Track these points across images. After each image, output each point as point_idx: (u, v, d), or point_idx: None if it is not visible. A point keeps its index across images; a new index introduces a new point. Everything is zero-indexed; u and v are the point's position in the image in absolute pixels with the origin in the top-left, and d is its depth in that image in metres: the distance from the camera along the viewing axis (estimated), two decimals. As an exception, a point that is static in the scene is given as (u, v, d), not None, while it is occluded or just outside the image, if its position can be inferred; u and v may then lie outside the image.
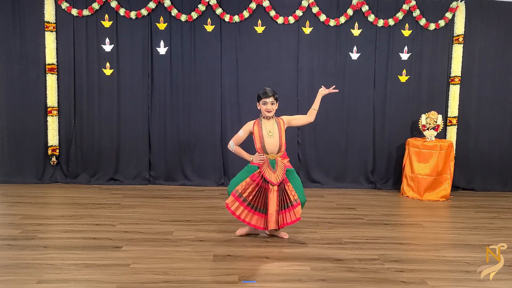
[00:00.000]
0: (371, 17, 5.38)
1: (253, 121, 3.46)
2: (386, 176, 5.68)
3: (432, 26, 5.42)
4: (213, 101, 5.42)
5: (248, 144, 3.58)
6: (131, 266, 2.89)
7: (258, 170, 3.35)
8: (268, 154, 3.38)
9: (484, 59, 5.51)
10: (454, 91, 5.51)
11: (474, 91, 5.56)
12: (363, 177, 5.64)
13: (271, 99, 3.36)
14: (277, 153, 3.39)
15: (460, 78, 5.49)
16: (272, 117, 3.43)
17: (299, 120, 3.56)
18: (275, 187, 3.31)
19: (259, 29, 5.37)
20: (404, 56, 5.50)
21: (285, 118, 3.50)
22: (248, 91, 5.39)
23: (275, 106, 3.41)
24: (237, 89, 5.45)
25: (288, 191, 3.36)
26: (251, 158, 3.44)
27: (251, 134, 3.45)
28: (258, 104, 3.44)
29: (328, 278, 2.80)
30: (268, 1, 5.27)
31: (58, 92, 5.32)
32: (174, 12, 5.24)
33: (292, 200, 3.35)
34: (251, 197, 3.34)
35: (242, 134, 3.46)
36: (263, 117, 3.43)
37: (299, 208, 3.36)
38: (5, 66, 5.23)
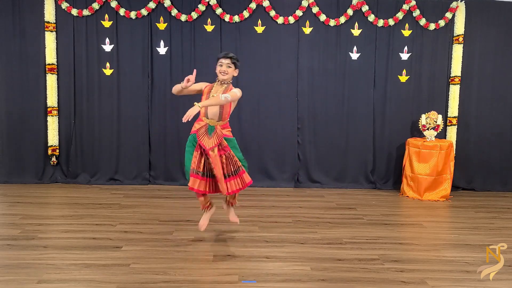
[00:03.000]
0: (371, 17, 5.38)
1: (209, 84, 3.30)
2: (386, 176, 5.68)
3: (432, 26, 5.42)
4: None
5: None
6: (131, 266, 2.89)
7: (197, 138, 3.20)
8: (208, 119, 3.21)
9: (484, 59, 5.51)
10: (454, 91, 5.51)
11: (474, 91, 5.55)
12: (363, 177, 5.64)
13: (227, 61, 3.18)
14: (218, 121, 3.21)
15: (460, 78, 5.49)
16: (227, 83, 3.24)
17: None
18: (215, 152, 3.14)
19: (259, 29, 5.37)
20: (404, 56, 5.49)
21: (234, 89, 3.22)
22: (248, 91, 5.34)
23: (232, 70, 3.23)
24: (237, 89, 5.44)
25: (234, 160, 3.20)
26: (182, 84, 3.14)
27: (199, 93, 3.25)
28: (215, 67, 3.23)
29: (328, 278, 2.80)
30: (268, 1, 5.27)
31: (58, 92, 5.31)
32: (174, 12, 5.24)
33: (237, 167, 3.21)
34: (201, 165, 3.18)
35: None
36: (218, 81, 3.25)
37: (246, 174, 3.23)
38: (5, 66, 5.22)
